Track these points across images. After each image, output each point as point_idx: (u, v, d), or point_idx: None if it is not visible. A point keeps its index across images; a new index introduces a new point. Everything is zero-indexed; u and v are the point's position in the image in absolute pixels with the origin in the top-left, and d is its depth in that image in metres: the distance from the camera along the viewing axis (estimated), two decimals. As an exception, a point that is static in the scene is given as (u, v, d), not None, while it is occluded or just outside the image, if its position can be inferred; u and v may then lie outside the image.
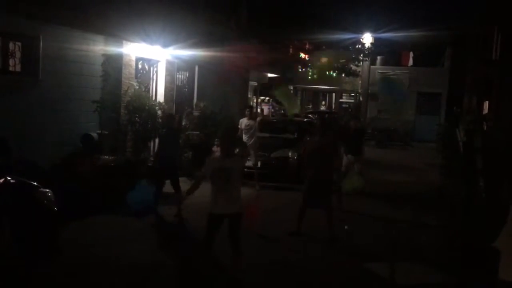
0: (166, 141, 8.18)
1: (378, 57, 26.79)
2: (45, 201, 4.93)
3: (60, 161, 8.15)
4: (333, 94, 32.71)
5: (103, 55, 9.85)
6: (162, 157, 8.16)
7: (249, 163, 10.50)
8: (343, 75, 25.07)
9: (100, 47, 9.76)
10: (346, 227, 7.43)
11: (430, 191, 10.83)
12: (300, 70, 23.12)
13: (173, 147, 8.14)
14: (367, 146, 14.98)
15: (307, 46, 22.03)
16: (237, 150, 5.89)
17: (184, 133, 10.96)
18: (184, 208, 7.91)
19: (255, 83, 19.04)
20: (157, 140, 9.84)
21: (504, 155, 7.13)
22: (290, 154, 11.38)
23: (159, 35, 10.59)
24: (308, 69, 23.11)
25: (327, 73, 23.40)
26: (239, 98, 16.36)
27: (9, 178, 4.80)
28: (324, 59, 22.55)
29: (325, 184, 7.17)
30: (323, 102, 33.08)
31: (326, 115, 21.47)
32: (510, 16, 10.75)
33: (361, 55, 23.86)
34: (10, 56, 7.98)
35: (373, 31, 22.38)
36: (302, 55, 21.93)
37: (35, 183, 5.03)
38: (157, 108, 10.66)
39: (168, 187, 8.19)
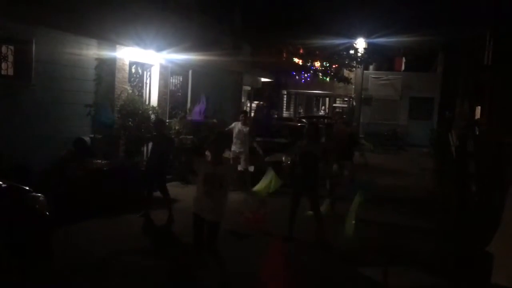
0: (155, 145, 8.18)
1: (371, 62, 26.95)
2: (37, 206, 4.89)
3: (52, 165, 8.11)
4: (327, 99, 32.81)
5: (97, 59, 9.81)
6: (150, 161, 8.19)
7: (241, 168, 10.51)
8: (335, 80, 25.17)
9: (93, 51, 9.74)
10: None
11: (423, 195, 10.87)
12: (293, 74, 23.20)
13: (163, 152, 8.11)
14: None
15: (300, 51, 22.08)
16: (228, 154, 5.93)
17: (178, 137, 10.94)
18: (177, 211, 7.91)
19: (248, 88, 19.06)
20: (150, 145, 9.83)
21: (496, 159, 7.17)
22: (283, 158, 11.38)
23: (152, 39, 10.58)
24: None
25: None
26: (232, 102, 16.36)
27: (0, 182, 4.76)
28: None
29: (311, 184, 7.19)
30: (322, 107, 33.16)
31: (319, 119, 21.51)
32: (502, 21, 10.84)
33: (354, 62, 23.93)
34: (2, 60, 7.94)
35: (366, 36, 22.49)
36: (296, 59, 21.98)
37: (27, 187, 5.00)
38: (150, 112, 10.64)
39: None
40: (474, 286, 5.30)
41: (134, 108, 10.11)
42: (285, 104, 25.83)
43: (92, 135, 9.38)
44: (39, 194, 4.98)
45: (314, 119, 19.41)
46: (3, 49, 7.94)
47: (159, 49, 11.02)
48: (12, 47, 8.06)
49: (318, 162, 7.32)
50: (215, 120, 12.79)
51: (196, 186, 5.36)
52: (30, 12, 7.73)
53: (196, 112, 12.35)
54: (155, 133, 8.41)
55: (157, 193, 8.20)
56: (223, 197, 5.23)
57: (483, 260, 4.37)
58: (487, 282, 4.20)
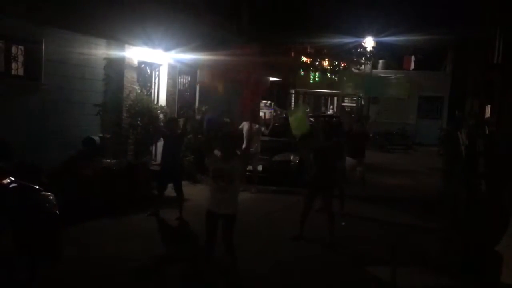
0: (169, 145, 8.20)
1: (380, 61, 26.81)
2: (47, 205, 4.92)
3: (62, 164, 8.16)
4: (335, 98, 32.70)
5: (105, 58, 9.87)
6: (164, 161, 8.19)
7: (249, 167, 10.49)
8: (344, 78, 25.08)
9: (102, 51, 9.79)
10: (343, 223, 7.52)
11: (431, 195, 10.81)
12: (302, 74, 23.15)
13: (176, 151, 8.14)
14: (368, 150, 14.95)
15: (308, 50, 22.03)
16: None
17: (187, 136, 10.95)
18: (186, 211, 7.93)
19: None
20: (159, 144, 9.85)
21: (506, 159, 7.11)
22: (291, 157, 11.37)
23: (161, 39, 10.61)
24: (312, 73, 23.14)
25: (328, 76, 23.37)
26: (240, 102, 16.34)
27: (11, 179, 4.80)
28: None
29: (326, 184, 7.20)
30: (331, 106, 33.03)
31: (330, 118, 21.45)
32: (512, 20, 10.75)
33: (363, 58, 23.85)
34: (12, 60, 8.01)
35: (374, 34, 22.39)
36: (304, 58, 21.93)
37: (37, 186, 5.03)
38: (159, 112, 10.67)
39: (169, 191, 8.22)
40: (483, 286, 5.26)
41: (143, 107, 10.15)
42: (293, 103, 25.77)
43: (101, 135, 9.42)
44: (49, 193, 5.00)
45: (323, 118, 19.36)
46: (14, 49, 8.00)
47: (168, 48, 11.06)
48: (22, 47, 8.12)
49: (334, 161, 7.35)
50: (227, 120, 12.79)
51: (209, 184, 5.38)
52: (39, 12, 7.78)
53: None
54: (167, 133, 8.42)
55: (167, 193, 8.24)
56: (235, 191, 5.27)
57: (493, 260, 4.33)
58: (497, 282, 4.17)
